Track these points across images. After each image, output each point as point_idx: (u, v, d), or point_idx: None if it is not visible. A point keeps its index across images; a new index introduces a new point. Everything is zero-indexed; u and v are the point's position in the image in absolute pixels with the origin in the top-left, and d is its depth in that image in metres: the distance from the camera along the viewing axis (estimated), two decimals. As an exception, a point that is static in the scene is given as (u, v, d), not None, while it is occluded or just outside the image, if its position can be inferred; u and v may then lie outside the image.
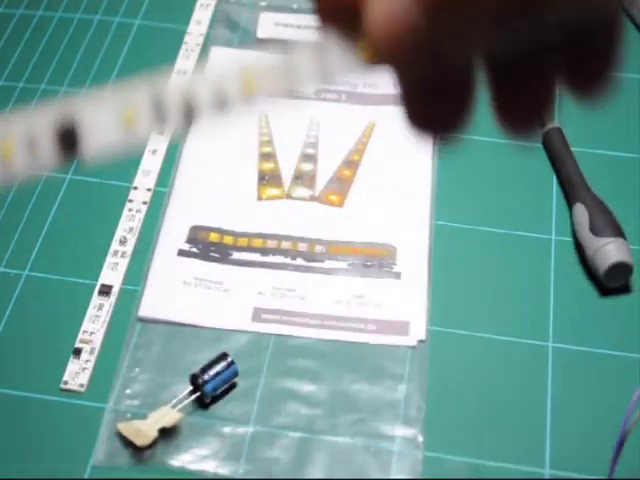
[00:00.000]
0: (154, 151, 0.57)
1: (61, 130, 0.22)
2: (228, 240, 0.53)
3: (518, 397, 0.47)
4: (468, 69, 0.23)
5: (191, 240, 0.52)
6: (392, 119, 0.58)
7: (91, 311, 0.50)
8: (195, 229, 0.53)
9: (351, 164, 0.56)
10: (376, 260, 0.52)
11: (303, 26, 0.64)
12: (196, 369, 0.46)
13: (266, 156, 0.57)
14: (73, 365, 0.48)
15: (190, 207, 0.54)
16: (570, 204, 0.53)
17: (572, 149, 0.55)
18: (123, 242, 0.52)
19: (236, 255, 0.52)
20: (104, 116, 0.22)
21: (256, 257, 0.52)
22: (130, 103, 0.23)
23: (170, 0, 0.66)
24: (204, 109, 0.23)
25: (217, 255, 0.52)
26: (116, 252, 0.52)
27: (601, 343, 0.48)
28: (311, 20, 0.64)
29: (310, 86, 0.23)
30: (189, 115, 0.23)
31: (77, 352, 0.48)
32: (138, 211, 0.54)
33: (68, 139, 0.22)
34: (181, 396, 0.46)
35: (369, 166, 0.56)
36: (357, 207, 0.54)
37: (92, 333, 0.49)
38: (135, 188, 0.55)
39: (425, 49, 0.21)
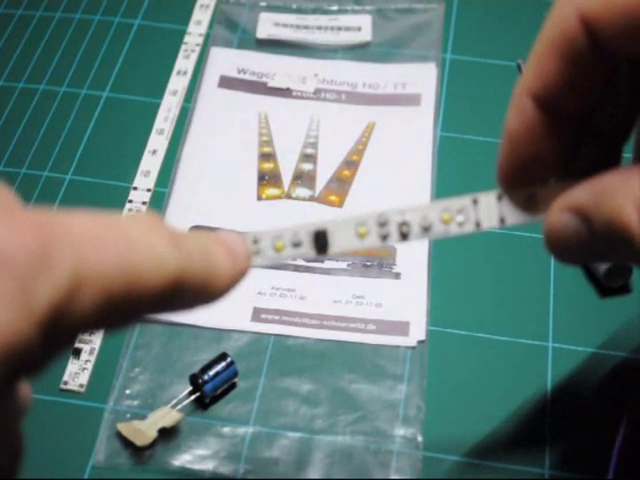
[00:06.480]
0: (154, 151, 0.57)
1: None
2: (228, 240, 0.53)
3: (518, 397, 0.47)
4: None
5: (191, 240, 0.52)
6: (392, 119, 0.58)
7: (91, 311, 0.50)
8: (195, 229, 0.53)
9: (351, 164, 0.56)
10: (376, 260, 0.52)
11: (303, 26, 0.64)
12: (196, 369, 0.46)
13: (266, 156, 0.57)
14: (73, 365, 0.48)
15: (190, 207, 0.54)
16: (570, 204, 0.53)
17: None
18: (123, 242, 0.52)
19: (236, 255, 0.52)
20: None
21: (256, 257, 0.52)
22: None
23: (170, 0, 0.66)
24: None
25: (217, 255, 0.52)
26: (116, 252, 0.52)
27: (601, 343, 0.48)
28: (311, 20, 0.64)
29: None
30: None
31: (77, 352, 0.48)
32: (138, 211, 0.54)
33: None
34: (181, 396, 0.46)
35: (369, 166, 0.56)
36: (357, 207, 0.54)
37: (92, 333, 0.49)
38: (135, 188, 0.55)
39: None
